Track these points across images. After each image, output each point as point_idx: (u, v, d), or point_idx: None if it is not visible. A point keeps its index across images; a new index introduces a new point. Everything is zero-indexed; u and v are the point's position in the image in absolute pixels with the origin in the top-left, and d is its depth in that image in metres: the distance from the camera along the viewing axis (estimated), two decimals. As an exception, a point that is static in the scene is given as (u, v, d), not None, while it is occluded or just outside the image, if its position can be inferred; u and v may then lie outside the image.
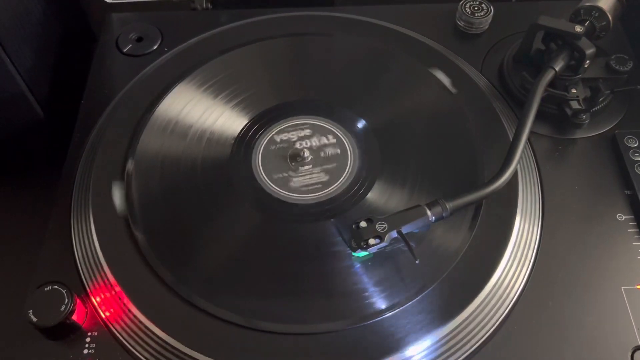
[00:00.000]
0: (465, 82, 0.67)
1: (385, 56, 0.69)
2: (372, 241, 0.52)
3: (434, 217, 0.53)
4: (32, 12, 0.69)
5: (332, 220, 0.57)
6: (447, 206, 0.53)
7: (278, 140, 0.64)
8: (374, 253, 0.54)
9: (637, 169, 0.61)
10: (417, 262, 0.52)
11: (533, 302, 0.54)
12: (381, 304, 0.52)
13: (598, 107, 0.63)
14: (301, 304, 0.53)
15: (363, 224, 0.52)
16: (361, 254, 0.53)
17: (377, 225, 0.52)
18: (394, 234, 0.52)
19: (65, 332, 0.51)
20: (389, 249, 0.53)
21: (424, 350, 0.50)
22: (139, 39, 0.72)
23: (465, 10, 0.72)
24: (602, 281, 0.55)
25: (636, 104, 0.66)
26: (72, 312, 0.51)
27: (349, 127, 0.64)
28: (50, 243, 0.57)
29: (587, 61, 0.62)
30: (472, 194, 0.54)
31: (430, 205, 0.53)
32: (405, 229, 0.52)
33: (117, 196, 0.57)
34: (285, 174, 0.61)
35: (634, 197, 0.59)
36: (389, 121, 0.65)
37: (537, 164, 0.62)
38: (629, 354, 0.51)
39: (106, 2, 0.81)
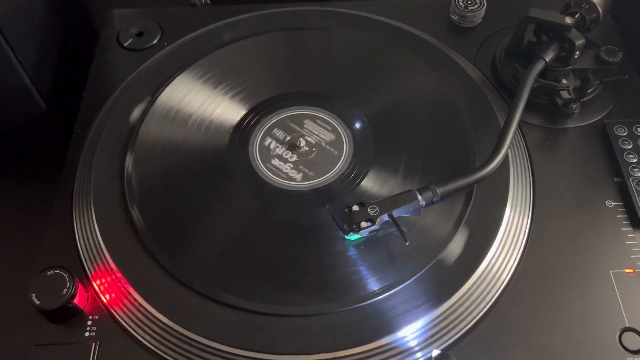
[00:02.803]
0: (459, 75, 0.68)
1: (381, 49, 0.71)
2: (363, 224, 0.53)
3: (424, 202, 0.54)
4: (35, 8, 0.71)
5: (327, 206, 0.58)
6: (438, 191, 0.54)
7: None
8: (366, 236, 0.55)
9: (626, 157, 0.62)
10: (407, 243, 0.53)
11: (523, 286, 0.55)
12: (375, 287, 0.53)
13: (588, 97, 0.65)
14: (297, 287, 0.54)
15: (355, 207, 0.54)
16: (353, 236, 0.55)
17: (369, 209, 0.53)
18: (386, 217, 0.53)
19: (67, 315, 0.53)
20: (381, 232, 0.55)
21: (415, 332, 0.51)
22: (140, 34, 0.74)
23: (459, 5, 0.73)
24: (592, 265, 0.56)
25: (625, 94, 0.67)
26: (73, 296, 0.52)
27: (344, 117, 0.66)
28: (53, 230, 0.58)
29: (577, 52, 0.63)
30: (462, 180, 0.56)
31: (421, 190, 0.55)
32: (396, 213, 0.53)
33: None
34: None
35: (623, 184, 0.60)
36: (383, 111, 0.66)
37: (528, 152, 0.63)
38: (617, 335, 0.52)
39: (107, -2, 0.83)
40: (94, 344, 0.52)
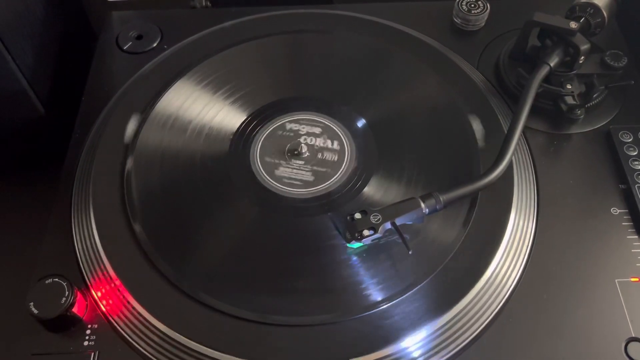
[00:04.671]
0: (462, 79, 0.67)
1: (383, 53, 0.70)
2: (366, 232, 0.52)
3: (427, 210, 0.54)
4: (34, 10, 0.70)
5: (329, 214, 0.58)
6: (441, 199, 0.54)
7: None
8: (369, 245, 0.54)
9: (631, 163, 0.61)
10: (410, 252, 0.52)
11: (528, 295, 0.54)
12: (378, 296, 0.52)
13: (593, 102, 0.64)
14: (298, 296, 0.53)
15: (357, 215, 0.53)
16: (355, 245, 0.54)
17: (371, 217, 0.53)
18: (388, 225, 0.53)
19: (65, 324, 0.52)
20: (383, 240, 0.54)
21: (419, 342, 0.51)
22: (139, 37, 0.73)
23: (462, 8, 0.73)
24: (597, 274, 0.55)
25: (631, 99, 0.67)
26: (72, 305, 0.51)
27: (346, 122, 0.65)
28: (51, 237, 0.58)
29: (582, 57, 0.62)
30: (466, 187, 0.55)
31: (424, 198, 0.54)
32: (399, 221, 0.53)
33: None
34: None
35: (629, 191, 0.60)
36: (385, 117, 0.66)
37: (532, 159, 0.62)
38: (623, 345, 0.52)
39: (106, 0, 0.82)
40: (93, 353, 0.51)
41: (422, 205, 0.54)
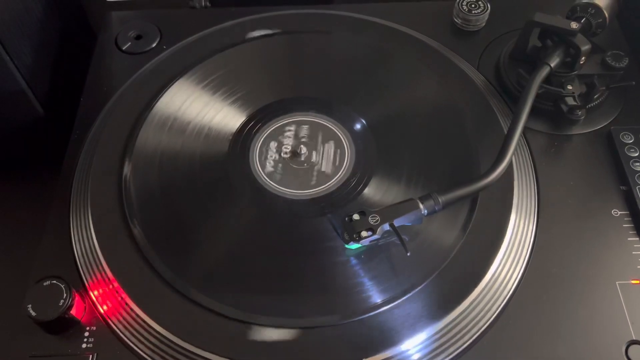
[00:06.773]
0: (462, 79, 0.67)
1: (382, 53, 0.70)
2: (364, 233, 0.52)
3: (426, 211, 0.53)
4: (32, 10, 0.70)
5: (328, 215, 0.57)
6: (440, 200, 0.54)
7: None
8: (368, 246, 0.54)
9: (632, 164, 0.61)
10: (408, 254, 0.52)
11: (528, 297, 0.54)
12: (377, 298, 0.52)
13: (594, 103, 0.64)
14: (297, 298, 0.53)
15: (356, 216, 0.53)
16: (353, 246, 0.54)
17: (369, 218, 0.52)
18: (387, 226, 0.52)
19: (63, 326, 0.52)
20: (382, 241, 0.54)
21: (419, 344, 0.50)
22: (138, 37, 0.73)
23: (462, 8, 0.72)
24: (597, 276, 0.55)
25: (632, 100, 0.66)
26: (70, 307, 0.51)
27: (346, 123, 0.65)
28: (49, 238, 0.57)
29: (583, 57, 0.62)
30: (465, 188, 0.55)
31: (423, 199, 0.54)
32: (397, 222, 0.52)
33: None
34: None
35: (630, 192, 0.59)
36: (385, 117, 0.65)
37: (532, 160, 0.62)
38: (623, 348, 0.51)
39: (106, 0, 0.82)
40: (91, 355, 0.51)
41: (421, 206, 0.53)
